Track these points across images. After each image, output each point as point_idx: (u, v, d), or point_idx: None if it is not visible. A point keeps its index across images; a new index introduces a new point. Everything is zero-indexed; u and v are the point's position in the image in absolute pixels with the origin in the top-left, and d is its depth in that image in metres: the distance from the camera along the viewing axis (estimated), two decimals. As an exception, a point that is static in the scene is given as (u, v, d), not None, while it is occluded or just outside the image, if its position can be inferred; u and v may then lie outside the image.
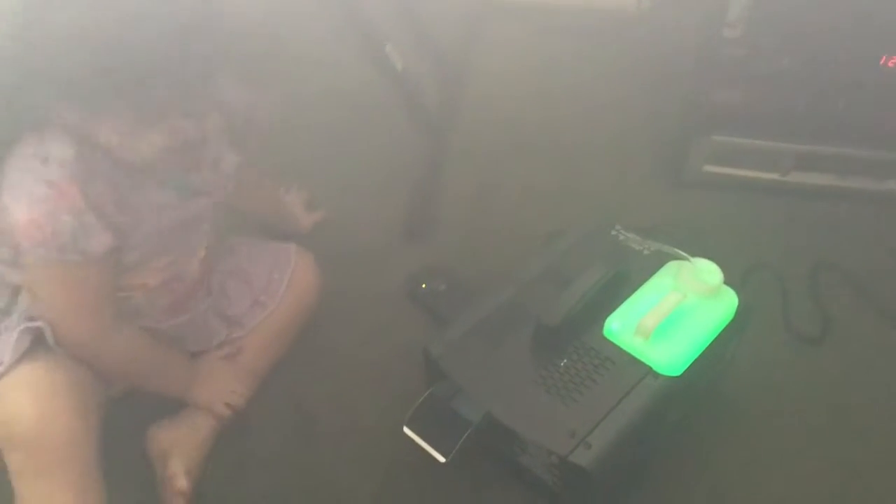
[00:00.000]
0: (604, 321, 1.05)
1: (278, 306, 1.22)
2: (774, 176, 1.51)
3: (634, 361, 1.01)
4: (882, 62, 1.36)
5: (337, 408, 1.20)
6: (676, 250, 1.10)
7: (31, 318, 1.00)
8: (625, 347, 1.03)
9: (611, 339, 1.04)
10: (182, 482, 1.09)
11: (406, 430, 1.04)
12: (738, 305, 1.06)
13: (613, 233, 1.17)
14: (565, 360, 1.02)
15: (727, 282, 1.07)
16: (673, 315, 1.02)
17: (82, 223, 0.94)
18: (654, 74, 1.78)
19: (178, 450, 1.12)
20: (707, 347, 1.03)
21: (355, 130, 1.62)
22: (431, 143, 1.60)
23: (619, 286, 1.08)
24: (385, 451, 1.13)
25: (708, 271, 1.06)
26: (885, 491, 1.11)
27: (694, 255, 1.09)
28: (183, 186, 1.05)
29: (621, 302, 1.07)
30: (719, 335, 1.05)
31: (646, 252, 1.14)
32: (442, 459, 1.02)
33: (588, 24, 1.95)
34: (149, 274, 1.07)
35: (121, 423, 1.07)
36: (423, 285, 1.33)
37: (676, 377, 1.00)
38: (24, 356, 0.97)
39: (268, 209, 1.37)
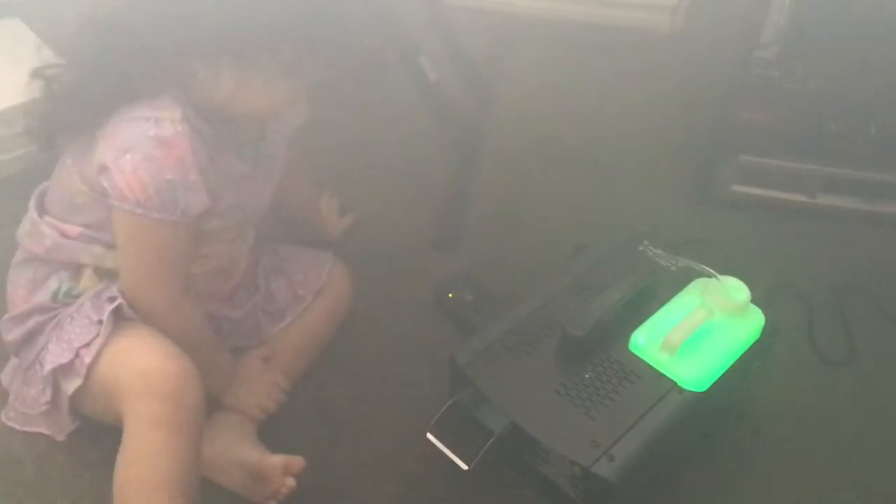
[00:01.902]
0: (630, 335, 1.05)
1: (313, 308, 1.24)
2: (802, 198, 1.51)
3: (659, 376, 1.02)
4: (915, 88, 1.37)
5: (361, 413, 1.21)
6: (704, 267, 1.11)
7: (109, 299, 1.04)
8: (650, 362, 1.03)
9: (636, 353, 1.04)
10: (295, 458, 1.08)
11: (429, 436, 1.06)
12: (765, 324, 1.07)
13: (641, 248, 1.18)
14: (590, 373, 1.03)
15: (754, 301, 1.07)
16: (699, 331, 1.03)
17: (186, 182, 0.97)
18: (685, 92, 1.79)
19: (250, 449, 1.11)
20: (732, 365, 1.04)
21: (386, 139, 1.64)
22: (462, 153, 1.61)
23: (645, 301, 1.09)
24: (408, 457, 1.14)
25: (735, 289, 1.07)
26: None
27: (720, 272, 1.09)
28: (257, 156, 1.10)
29: (647, 317, 1.07)
30: (745, 353, 1.05)
31: (673, 268, 1.14)
32: (464, 467, 1.03)
33: (621, 41, 1.96)
34: (201, 260, 1.11)
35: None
36: (450, 294, 1.34)
37: (701, 393, 1.01)
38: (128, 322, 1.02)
39: (304, 212, 1.40)
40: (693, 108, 1.73)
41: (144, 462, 0.96)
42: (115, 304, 1.02)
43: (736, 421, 1.18)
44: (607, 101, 1.81)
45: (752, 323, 1.07)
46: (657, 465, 1.03)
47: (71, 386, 1.02)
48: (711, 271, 1.10)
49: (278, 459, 1.08)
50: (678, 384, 1.01)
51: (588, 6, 2.04)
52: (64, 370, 1.03)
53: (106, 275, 1.08)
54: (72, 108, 1.02)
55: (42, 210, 1.10)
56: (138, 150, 0.96)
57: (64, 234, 1.07)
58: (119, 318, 1.02)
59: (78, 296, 1.08)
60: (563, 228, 1.50)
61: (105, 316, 1.01)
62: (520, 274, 1.40)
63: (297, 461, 1.08)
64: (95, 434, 1.10)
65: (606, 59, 1.92)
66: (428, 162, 1.61)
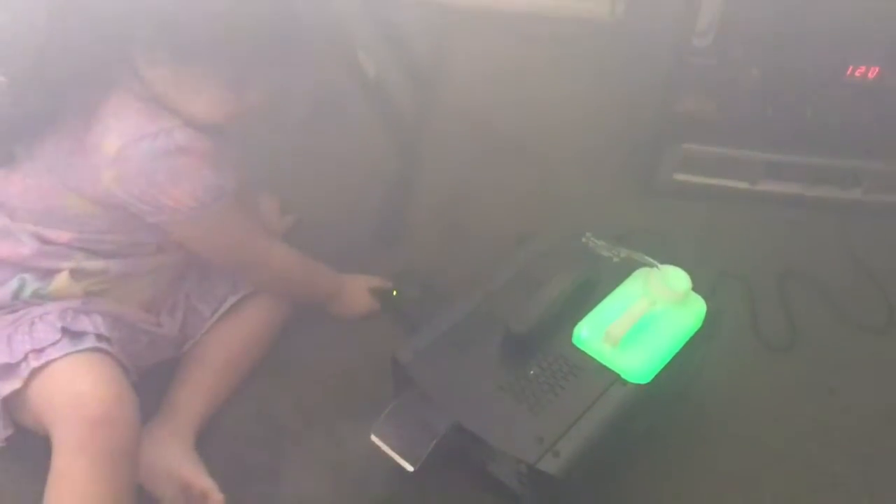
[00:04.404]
0: (573, 328, 1.05)
1: (252, 307, 1.23)
2: (744, 184, 1.52)
3: (603, 369, 1.01)
4: (849, 72, 1.38)
5: (305, 416, 1.19)
6: (645, 257, 1.11)
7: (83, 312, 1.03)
8: (593, 355, 1.03)
9: (580, 346, 1.04)
10: (217, 495, 1.07)
11: (374, 438, 1.04)
12: (707, 312, 1.07)
13: (583, 240, 1.17)
14: (534, 368, 1.02)
15: (696, 289, 1.07)
16: (641, 322, 1.02)
17: (217, 168, 1.03)
18: (626, 82, 1.79)
19: (184, 462, 1.09)
20: (675, 355, 1.04)
21: (327, 137, 1.61)
22: (404, 149, 1.60)
23: (588, 293, 1.08)
24: (353, 459, 1.12)
25: (676, 278, 1.06)
26: (855, 498, 1.12)
27: (663, 262, 1.09)
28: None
29: (590, 309, 1.07)
30: (688, 342, 1.05)
31: (615, 259, 1.14)
32: (410, 468, 1.01)
33: (561, 31, 1.95)
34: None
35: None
36: (395, 292, 1.33)
37: (645, 384, 1.01)
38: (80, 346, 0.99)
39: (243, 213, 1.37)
40: (635, 97, 1.73)
41: (71, 492, 0.93)
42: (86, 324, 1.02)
43: (681, 409, 1.18)
44: (549, 91, 1.80)
45: (693, 311, 1.07)
46: (603, 458, 1.02)
47: (7, 388, 0.99)
48: (652, 261, 1.09)
49: (206, 484, 1.07)
50: (621, 376, 1.00)
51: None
52: (4, 371, 0.99)
53: (84, 277, 1.06)
54: (28, 105, 1.00)
55: (11, 214, 1.06)
56: (169, 165, 0.98)
57: (47, 241, 1.04)
58: (78, 339, 1.00)
59: (46, 296, 1.05)
60: (506, 220, 1.49)
61: (70, 326, 1.00)
62: (466, 268, 1.39)
63: (215, 499, 1.06)
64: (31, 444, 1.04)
65: (547, 50, 1.91)
66: (369, 158, 1.59)
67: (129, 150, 0.97)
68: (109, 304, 1.09)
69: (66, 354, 0.97)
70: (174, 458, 1.08)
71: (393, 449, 1.03)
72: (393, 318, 1.31)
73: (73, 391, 0.95)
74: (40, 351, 0.98)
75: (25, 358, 0.98)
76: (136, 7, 0.94)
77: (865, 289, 1.39)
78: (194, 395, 1.15)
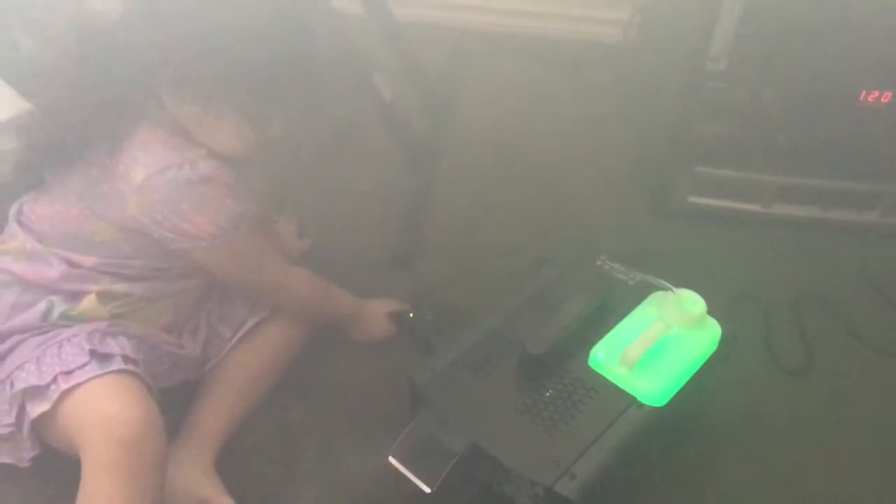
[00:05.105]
0: (589, 351, 1.05)
1: (272, 330, 1.24)
2: (758, 207, 1.53)
3: (619, 391, 1.02)
4: (862, 97, 1.39)
5: (322, 437, 1.20)
6: (660, 281, 1.11)
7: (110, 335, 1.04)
8: (610, 377, 1.03)
9: (596, 368, 1.04)
10: None
11: (391, 459, 1.04)
12: (722, 336, 1.07)
13: (599, 262, 1.18)
14: (550, 390, 1.03)
15: (711, 312, 1.08)
16: (657, 345, 1.03)
17: (238, 196, 1.05)
18: (640, 105, 1.80)
19: (204, 481, 1.11)
20: (691, 377, 1.04)
21: (342, 159, 1.63)
22: (418, 171, 1.61)
23: (604, 316, 1.09)
24: (370, 480, 1.13)
25: (691, 302, 1.07)
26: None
27: (678, 285, 1.10)
28: None
29: (606, 332, 1.07)
30: (703, 365, 1.05)
31: (630, 282, 1.14)
32: (427, 490, 1.02)
33: (575, 54, 1.97)
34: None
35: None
36: (410, 314, 1.33)
37: (661, 407, 1.01)
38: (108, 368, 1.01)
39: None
40: (649, 120, 1.74)
41: None
42: (113, 346, 1.03)
43: (697, 432, 1.18)
44: (563, 114, 1.82)
45: (709, 335, 1.07)
46: (619, 481, 1.02)
47: (36, 409, 1.00)
48: (668, 284, 1.10)
49: (225, 502, 1.08)
50: (637, 399, 1.01)
51: (541, 21, 2.06)
52: (34, 392, 1.01)
53: (110, 300, 1.08)
54: (58, 133, 1.03)
55: (41, 238, 1.08)
56: (193, 194, 1.01)
57: (74, 265, 1.07)
58: (106, 361, 1.01)
59: (74, 318, 1.06)
60: (521, 243, 1.50)
61: (98, 348, 1.01)
62: (481, 291, 1.40)
63: None
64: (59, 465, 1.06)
65: (561, 74, 1.93)
66: (384, 181, 1.61)
67: (155, 180, 1.00)
68: (134, 326, 1.10)
69: (95, 376, 0.99)
70: (195, 476, 1.09)
71: (410, 470, 1.03)
72: (409, 340, 1.32)
73: (103, 413, 0.96)
74: (69, 373, 0.99)
75: (55, 380, 0.99)
76: (156, 50, 0.97)
77: (881, 312, 1.39)
78: (215, 415, 1.17)
